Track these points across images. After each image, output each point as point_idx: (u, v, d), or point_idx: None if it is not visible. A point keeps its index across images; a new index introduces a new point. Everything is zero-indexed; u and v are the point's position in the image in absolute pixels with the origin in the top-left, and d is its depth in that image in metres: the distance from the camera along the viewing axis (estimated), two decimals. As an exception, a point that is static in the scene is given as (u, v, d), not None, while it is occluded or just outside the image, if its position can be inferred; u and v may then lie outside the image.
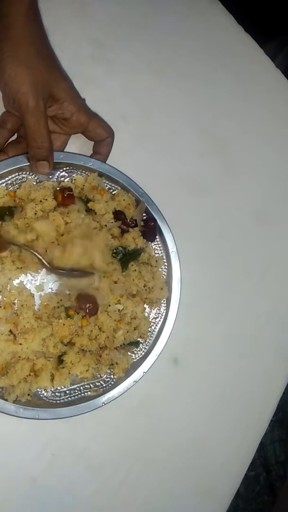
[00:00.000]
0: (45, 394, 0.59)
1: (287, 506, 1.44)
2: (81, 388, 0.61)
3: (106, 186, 0.63)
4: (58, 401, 0.59)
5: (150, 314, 0.64)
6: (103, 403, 0.60)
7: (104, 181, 0.62)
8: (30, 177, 0.60)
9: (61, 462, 0.62)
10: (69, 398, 0.60)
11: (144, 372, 0.61)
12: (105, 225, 0.60)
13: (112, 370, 0.61)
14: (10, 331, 0.56)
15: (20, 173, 0.60)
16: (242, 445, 0.71)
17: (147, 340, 0.63)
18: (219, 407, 0.70)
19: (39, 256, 0.56)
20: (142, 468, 0.66)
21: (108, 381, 0.61)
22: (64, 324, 0.57)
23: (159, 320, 0.64)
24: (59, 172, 0.61)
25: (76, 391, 0.60)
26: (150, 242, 0.64)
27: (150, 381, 0.63)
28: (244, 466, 0.71)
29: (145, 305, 0.63)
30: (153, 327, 0.64)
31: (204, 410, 0.69)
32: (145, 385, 0.62)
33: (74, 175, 0.62)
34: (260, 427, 0.73)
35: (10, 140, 0.61)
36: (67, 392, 0.60)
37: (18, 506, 0.61)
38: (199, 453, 0.69)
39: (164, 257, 0.64)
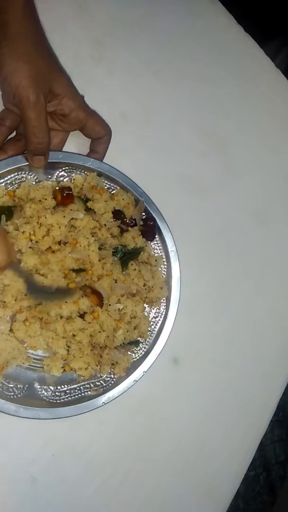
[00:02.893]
0: (45, 393, 0.59)
1: (287, 506, 1.43)
2: (81, 387, 0.61)
3: (105, 185, 0.63)
4: (58, 401, 0.59)
5: (150, 313, 0.64)
6: (103, 402, 0.60)
7: (103, 180, 0.62)
8: (29, 176, 0.60)
9: (61, 462, 0.62)
10: (69, 398, 0.60)
11: (144, 371, 0.61)
12: (105, 224, 0.60)
13: (112, 369, 0.61)
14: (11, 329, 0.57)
15: (20, 172, 0.60)
16: (242, 445, 0.71)
17: (147, 339, 0.63)
18: (219, 407, 0.70)
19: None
20: (142, 468, 0.66)
21: (108, 380, 0.61)
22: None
23: (159, 320, 0.64)
24: (58, 172, 0.61)
25: (76, 390, 0.60)
26: (149, 242, 0.64)
27: (150, 381, 0.63)
28: (244, 466, 0.71)
29: (145, 305, 0.63)
30: (153, 327, 0.64)
31: (204, 410, 0.69)
32: (145, 385, 0.62)
33: (73, 174, 0.62)
34: (260, 427, 0.72)
35: (9, 137, 0.61)
36: (67, 391, 0.60)
37: (18, 506, 0.61)
38: (199, 453, 0.69)
39: (164, 256, 0.64)
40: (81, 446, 0.63)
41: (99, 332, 0.59)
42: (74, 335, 0.57)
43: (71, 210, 0.58)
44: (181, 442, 0.68)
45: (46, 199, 0.58)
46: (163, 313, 0.64)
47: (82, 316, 0.58)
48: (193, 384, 0.69)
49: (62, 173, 0.61)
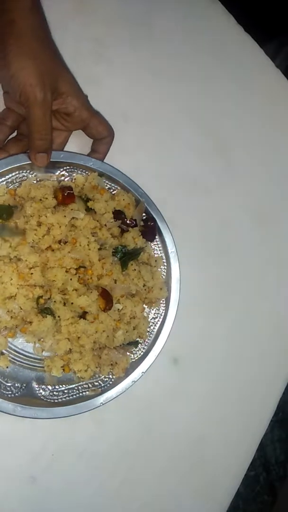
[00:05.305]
0: (43, 393, 0.59)
1: (287, 506, 1.44)
2: (79, 387, 0.60)
3: (106, 185, 0.63)
4: (56, 401, 0.59)
5: (149, 314, 0.64)
6: (101, 403, 0.59)
7: (104, 180, 0.62)
8: (30, 175, 0.60)
9: (61, 462, 0.62)
10: (67, 398, 0.60)
11: (142, 372, 0.61)
12: (105, 225, 0.60)
13: (111, 370, 0.60)
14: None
15: (21, 171, 0.59)
16: (242, 445, 0.71)
17: (146, 340, 0.63)
18: (219, 407, 0.70)
19: None
20: (142, 468, 0.66)
21: (106, 381, 0.61)
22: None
23: (158, 320, 0.64)
24: (59, 171, 0.61)
25: (74, 390, 0.60)
26: (149, 242, 0.64)
27: (150, 381, 0.63)
28: (244, 466, 0.71)
29: (144, 305, 0.63)
30: (152, 327, 0.63)
31: (204, 410, 0.69)
32: (145, 385, 0.62)
33: (74, 174, 0.62)
34: (260, 427, 0.72)
35: (10, 137, 0.61)
36: (65, 391, 0.60)
37: (18, 506, 0.61)
38: (199, 453, 0.69)
39: (164, 257, 0.64)
40: (81, 446, 0.63)
41: (101, 332, 0.59)
42: (78, 337, 0.57)
43: (71, 209, 0.58)
44: (181, 442, 0.68)
45: (47, 198, 0.58)
46: (163, 313, 0.64)
47: (83, 316, 0.58)
48: (193, 384, 0.69)
49: (63, 172, 0.61)
